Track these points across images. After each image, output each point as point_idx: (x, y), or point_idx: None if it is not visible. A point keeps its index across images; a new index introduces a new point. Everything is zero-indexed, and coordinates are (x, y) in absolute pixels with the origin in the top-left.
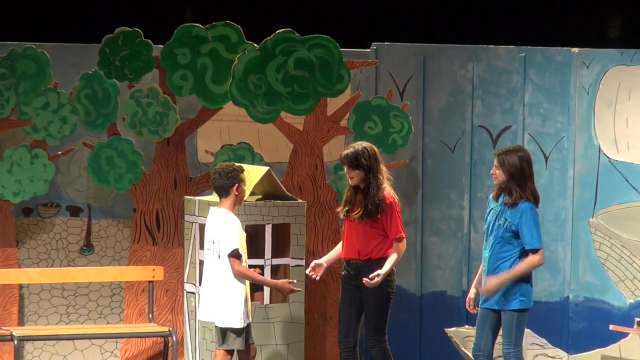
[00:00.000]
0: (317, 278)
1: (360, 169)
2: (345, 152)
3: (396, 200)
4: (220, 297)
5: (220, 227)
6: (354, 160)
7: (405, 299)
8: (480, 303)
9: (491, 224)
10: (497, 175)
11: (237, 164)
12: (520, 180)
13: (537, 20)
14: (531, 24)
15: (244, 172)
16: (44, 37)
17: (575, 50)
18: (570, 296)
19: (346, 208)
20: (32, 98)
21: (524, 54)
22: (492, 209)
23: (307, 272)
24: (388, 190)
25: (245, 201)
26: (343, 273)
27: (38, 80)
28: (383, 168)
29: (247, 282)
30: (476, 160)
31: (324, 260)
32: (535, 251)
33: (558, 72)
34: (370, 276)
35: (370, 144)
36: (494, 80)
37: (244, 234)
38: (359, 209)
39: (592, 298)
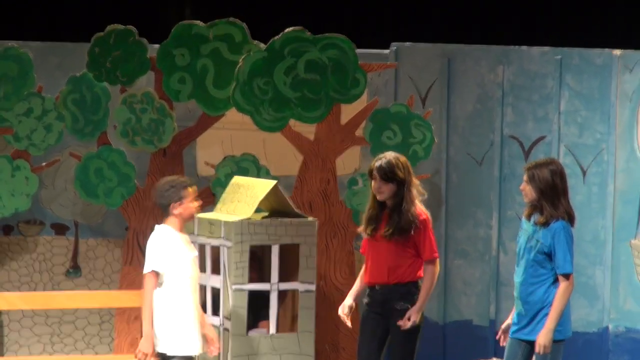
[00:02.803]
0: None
1: (395, 182)
2: (378, 163)
3: (429, 217)
4: (157, 321)
5: (148, 243)
6: (390, 173)
7: (427, 329)
8: (511, 332)
9: (522, 247)
10: (527, 191)
11: (181, 178)
12: (552, 197)
13: (575, 19)
14: (568, 23)
15: (189, 187)
16: (27, 36)
17: (617, 52)
18: (610, 326)
19: (372, 226)
20: (14, 103)
21: (559, 56)
22: (524, 230)
23: (340, 315)
24: (419, 206)
25: (249, 219)
26: (365, 300)
27: (20, 84)
28: (415, 181)
29: (193, 309)
30: (506, 174)
31: (352, 298)
32: (566, 276)
33: (597, 77)
34: (407, 316)
35: (401, 155)
36: (527, 86)
37: (191, 254)
38: (388, 227)
39: (634, 328)
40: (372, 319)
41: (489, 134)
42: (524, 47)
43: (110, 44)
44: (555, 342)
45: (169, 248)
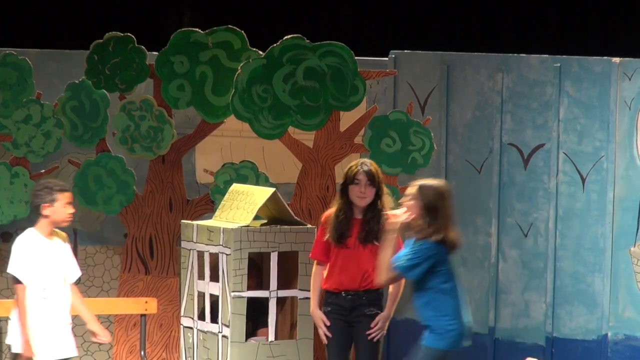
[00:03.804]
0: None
1: (376, 187)
2: (365, 168)
3: None
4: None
5: (14, 246)
6: (377, 177)
7: None
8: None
9: None
10: (409, 207)
11: (58, 181)
12: (434, 218)
13: (574, 27)
14: (567, 31)
15: (63, 192)
16: (26, 43)
17: (616, 60)
18: (609, 334)
19: (343, 233)
20: (12, 110)
21: (558, 64)
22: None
23: (324, 331)
24: None
25: (248, 226)
26: (328, 308)
27: (19, 91)
28: (386, 189)
29: (54, 315)
30: (505, 182)
31: (317, 306)
32: (398, 274)
33: (597, 84)
34: (375, 329)
35: None
36: (526, 93)
37: (57, 261)
38: (366, 233)
39: (633, 336)
40: (341, 327)
41: (488, 142)
42: (523, 55)
43: (109, 51)
44: (436, 350)
45: (30, 255)
